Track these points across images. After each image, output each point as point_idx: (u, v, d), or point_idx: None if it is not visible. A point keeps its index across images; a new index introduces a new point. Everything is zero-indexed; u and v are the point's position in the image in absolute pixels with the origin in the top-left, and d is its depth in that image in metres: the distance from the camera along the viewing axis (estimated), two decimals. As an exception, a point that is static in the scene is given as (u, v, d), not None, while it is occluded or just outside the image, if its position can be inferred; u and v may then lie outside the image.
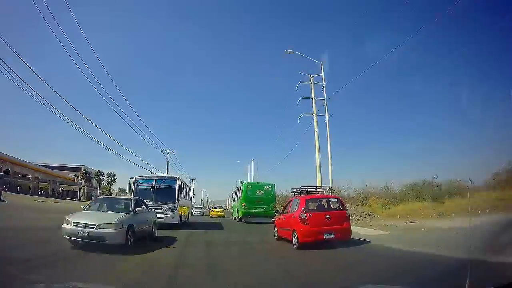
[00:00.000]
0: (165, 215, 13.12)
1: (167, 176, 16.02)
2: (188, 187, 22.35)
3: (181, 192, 14.46)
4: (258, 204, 21.35)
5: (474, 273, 3.20)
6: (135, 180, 14.02)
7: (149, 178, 14.44)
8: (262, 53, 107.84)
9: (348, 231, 9.30)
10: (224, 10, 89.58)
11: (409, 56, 53.29)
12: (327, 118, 18.65)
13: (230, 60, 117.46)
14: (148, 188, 13.73)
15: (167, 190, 13.87)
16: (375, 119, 70.19)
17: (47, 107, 16.80)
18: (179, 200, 14.05)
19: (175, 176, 15.29)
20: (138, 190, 13.62)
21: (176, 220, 13.75)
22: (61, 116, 20.54)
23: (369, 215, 19.65)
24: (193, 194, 49.21)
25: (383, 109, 71.56)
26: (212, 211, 35.80)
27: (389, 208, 21.02)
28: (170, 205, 13.52)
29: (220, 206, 43.53)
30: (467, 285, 2.87)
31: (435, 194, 19.91)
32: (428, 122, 56.84)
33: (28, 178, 47.69)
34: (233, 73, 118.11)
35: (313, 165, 19.39)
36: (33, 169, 46.14)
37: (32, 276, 4.57)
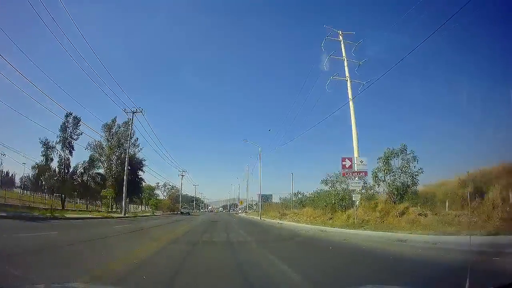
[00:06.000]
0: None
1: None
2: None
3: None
4: None
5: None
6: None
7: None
8: (264, 53, 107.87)
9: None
10: (227, 6, 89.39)
11: (408, 57, 52.96)
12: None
13: (232, 59, 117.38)
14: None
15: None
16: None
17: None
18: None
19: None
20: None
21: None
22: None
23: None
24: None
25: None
26: None
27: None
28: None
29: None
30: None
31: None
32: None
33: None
34: (234, 72, 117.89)
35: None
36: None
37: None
